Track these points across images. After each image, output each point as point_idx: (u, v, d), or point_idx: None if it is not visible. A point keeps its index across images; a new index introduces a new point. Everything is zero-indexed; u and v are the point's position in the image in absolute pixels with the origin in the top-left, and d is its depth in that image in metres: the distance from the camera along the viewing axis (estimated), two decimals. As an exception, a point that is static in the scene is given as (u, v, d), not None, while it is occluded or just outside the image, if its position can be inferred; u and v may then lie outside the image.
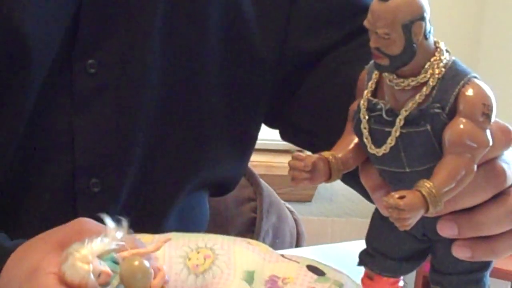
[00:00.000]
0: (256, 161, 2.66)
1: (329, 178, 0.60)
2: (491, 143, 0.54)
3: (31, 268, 0.60)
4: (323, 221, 2.92)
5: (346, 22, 0.90)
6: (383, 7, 0.53)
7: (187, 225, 0.92)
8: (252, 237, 1.58)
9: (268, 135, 3.18)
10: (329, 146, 0.61)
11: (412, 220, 0.52)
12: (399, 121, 0.55)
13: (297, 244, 1.37)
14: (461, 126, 0.53)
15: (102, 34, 0.80)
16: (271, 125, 0.97)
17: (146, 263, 0.57)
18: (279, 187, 2.64)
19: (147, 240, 0.73)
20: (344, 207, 2.96)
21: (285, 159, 2.90)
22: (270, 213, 1.38)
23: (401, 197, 0.52)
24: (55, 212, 0.81)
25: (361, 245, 1.00)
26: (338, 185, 2.94)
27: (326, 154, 0.60)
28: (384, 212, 0.58)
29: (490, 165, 0.57)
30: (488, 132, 0.54)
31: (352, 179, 0.65)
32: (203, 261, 0.71)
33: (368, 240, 0.64)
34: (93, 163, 0.82)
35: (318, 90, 0.91)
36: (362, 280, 0.65)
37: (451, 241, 0.59)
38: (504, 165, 0.57)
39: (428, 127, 0.54)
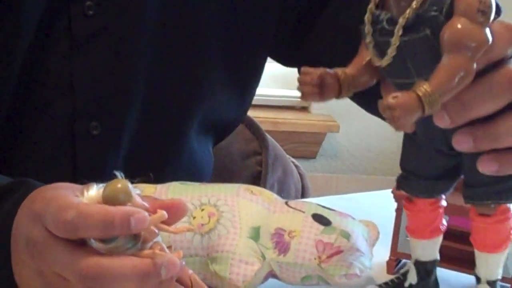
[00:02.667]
0: (261, 117, 2.67)
1: (340, 94, 0.60)
2: (489, 41, 0.53)
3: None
4: (328, 178, 2.93)
5: None
6: None
7: (191, 172, 0.92)
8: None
9: (274, 92, 3.18)
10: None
11: (406, 120, 0.51)
12: (398, 29, 0.55)
13: (303, 198, 1.38)
14: (458, 25, 0.52)
15: None
16: (289, 63, 0.97)
17: (130, 185, 0.56)
18: (284, 143, 2.65)
19: (150, 190, 0.72)
20: (349, 164, 2.96)
21: (290, 116, 2.90)
22: (276, 167, 1.38)
23: (394, 97, 0.51)
24: (55, 155, 0.81)
25: (366, 197, 1.01)
26: (343, 142, 2.95)
27: (336, 69, 0.60)
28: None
29: (502, 70, 0.55)
30: (487, 30, 0.53)
31: (368, 103, 0.64)
32: (208, 220, 0.69)
33: (401, 163, 0.64)
34: (92, 106, 0.81)
35: (335, 21, 0.90)
36: (404, 204, 0.65)
37: (478, 153, 0.57)
38: None
39: (428, 31, 0.54)
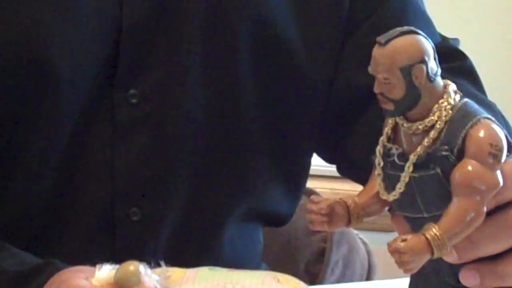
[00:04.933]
0: (321, 187, 2.64)
1: (349, 223, 0.60)
2: (501, 184, 0.53)
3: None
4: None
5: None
6: (381, 52, 0.53)
7: (234, 258, 0.92)
8: (320, 268, 1.58)
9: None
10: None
11: (415, 264, 0.51)
12: (408, 166, 0.55)
13: (368, 277, 1.36)
14: (468, 168, 0.52)
15: (143, 65, 0.80)
16: (327, 159, 0.97)
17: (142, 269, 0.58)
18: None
19: (179, 275, 0.73)
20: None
21: (351, 187, 2.86)
22: (341, 243, 1.38)
23: (403, 240, 0.51)
24: (94, 239, 0.82)
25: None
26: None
27: (346, 198, 0.60)
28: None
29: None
30: (498, 172, 0.53)
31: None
32: None
33: None
34: (133, 192, 0.82)
35: (375, 126, 0.90)
36: None
37: None
38: None
39: (438, 170, 0.54)
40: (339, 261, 1.55)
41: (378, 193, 0.59)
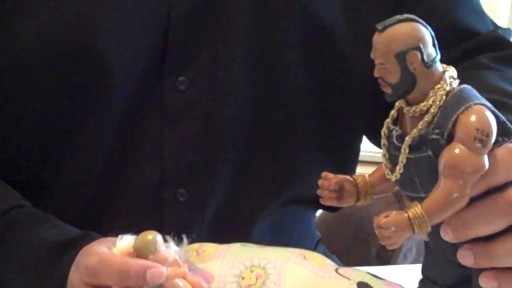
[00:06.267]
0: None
1: (358, 200, 0.63)
2: (485, 168, 0.54)
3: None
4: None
5: (452, 47, 0.90)
6: (378, 38, 0.56)
7: (280, 241, 0.95)
8: (392, 254, 1.59)
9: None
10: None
11: (395, 239, 0.54)
12: (404, 148, 0.57)
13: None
14: (455, 151, 0.54)
15: (191, 52, 0.83)
16: (378, 144, 0.99)
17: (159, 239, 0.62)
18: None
19: (213, 250, 0.76)
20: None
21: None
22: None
23: (386, 216, 0.54)
24: (143, 219, 0.86)
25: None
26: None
27: (356, 176, 0.63)
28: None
29: (504, 193, 0.57)
30: (483, 157, 0.54)
31: None
32: (255, 281, 0.72)
33: (421, 270, 0.65)
34: (181, 174, 0.85)
35: None
36: None
37: (484, 268, 0.59)
38: None
39: (430, 152, 0.56)
40: (412, 247, 1.56)
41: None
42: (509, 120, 0.71)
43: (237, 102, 0.86)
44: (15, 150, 0.85)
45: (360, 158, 0.99)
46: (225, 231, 0.89)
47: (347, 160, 0.95)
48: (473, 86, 0.59)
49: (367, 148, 1.00)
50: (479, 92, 0.59)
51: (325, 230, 1.51)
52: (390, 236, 0.54)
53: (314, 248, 1.03)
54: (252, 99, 0.86)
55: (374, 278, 0.73)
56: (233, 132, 0.86)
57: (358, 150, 0.97)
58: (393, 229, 0.54)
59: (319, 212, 1.69)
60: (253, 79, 0.86)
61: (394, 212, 0.54)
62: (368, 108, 0.90)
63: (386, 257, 1.58)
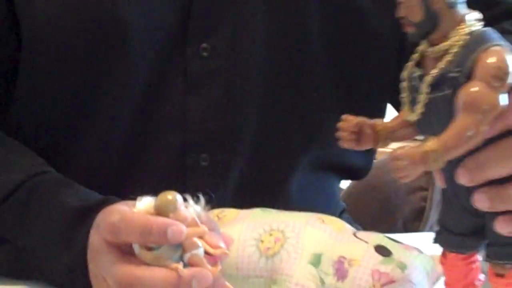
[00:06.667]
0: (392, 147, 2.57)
1: (377, 144, 0.64)
2: (501, 107, 0.55)
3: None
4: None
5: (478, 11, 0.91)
6: None
7: (303, 207, 0.96)
8: (419, 226, 1.59)
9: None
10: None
11: (408, 171, 0.54)
12: (424, 87, 0.58)
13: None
14: (472, 88, 0.55)
15: (213, 20, 0.85)
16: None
17: (179, 198, 0.63)
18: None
19: (233, 215, 0.78)
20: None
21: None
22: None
23: (401, 148, 0.55)
24: (165, 184, 0.85)
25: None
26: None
27: (376, 120, 0.65)
28: None
29: None
30: (502, 95, 0.55)
31: None
32: (273, 244, 0.73)
33: (438, 219, 0.66)
34: (203, 140, 0.87)
35: None
36: (440, 257, 0.67)
37: (498, 213, 0.59)
38: None
39: (449, 91, 0.57)
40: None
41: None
42: None
43: (259, 70, 0.87)
44: (39, 118, 0.87)
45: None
46: (248, 197, 0.89)
47: None
48: None
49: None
50: None
51: (352, 203, 1.52)
52: (404, 168, 0.54)
53: (339, 217, 1.05)
54: (272, 67, 0.88)
55: (392, 242, 0.74)
56: (254, 100, 0.88)
57: (383, 116, 0.97)
58: (408, 161, 0.55)
59: (346, 184, 1.70)
60: (274, 48, 0.87)
61: (411, 145, 0.55)
62: (393, 75, 0.90)
63: (412, 229, 1.59)
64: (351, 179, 1.11)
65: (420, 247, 0.75)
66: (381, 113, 0.97)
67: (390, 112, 0.98)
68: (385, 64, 0.92)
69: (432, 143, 0.55)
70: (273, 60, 0.87)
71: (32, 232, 0.77)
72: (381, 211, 1.58)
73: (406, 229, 1.59)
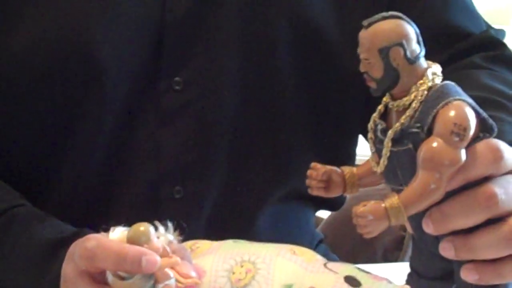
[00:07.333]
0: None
1: (345, 191, 0.66)
2: (461, 162, 0.56)
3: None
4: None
5: (445, 48, 0.92)
6: (364, 34, 0.58)
7: (276, 239, 0.97)
8: (399, 256, 1.59)
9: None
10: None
11: (371, 228, 0.56)
12: (387, 141, 0.59)
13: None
14: (432, 144, 0.56)
15: (186, 54, 0.86)
16: None
17: (152, 230, 0.63)
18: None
19: (206, 246, 0.78)
20: None
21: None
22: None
23: (364, 205, 0.56)
24: (140, 215, 0.87)
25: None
26: None
27: (344, 168, 0.66)
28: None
29: (482, 187, 0.58)
30: (461, 151, 0.56)
31: None
32: (245, 275, 0.73)
33: (409, 262, 0.67)
34: (177, 172, 0.87)
35: None
36: None
37: (466, 261, 0.60)
38: (497, 189, 0.58)
39: (411, 145, 0.58)
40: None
41: None
42: (497, 117, 0.72)
43: (231, 102, 0.88)
44: (13, 151, 0.87)
45: (357, 162, 1.00)
46: (222, 228, 0.90)
47: (342, 161, 0.97)
48: (464, 85, 0.60)
49: (363, 153, 1.01)
50: (470, 90, 0.60)
51: (332, 233, 1.52)
52: (367, 225, 0.56)
53: (315, 248, 1.05)
54: (245, 99, 0.88)
55: (362, 272, 0.74)
56: (227, 131, 0.88)
57: (354, 151, 0.98)
58: (370, 217, 0.56)
59: (326, 214, 1.70)
60: (246, 79, 0.88)
61: (372, 202, 0.56)
62: (362, 107, 0.91)
63: (392, 258, 1.59)
64: (327, 209, 1.12)
65: (400, 277, 0.75)
66: (351, 151, 0.98)
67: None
68: (354, 100, 0.92)
69: (393, 200, 0.56)
70: (245, 90, 0.88)
71: (8, 263, 0.78)
72: (361, 241, 1.58)
73: (386, 259, 1.60)
